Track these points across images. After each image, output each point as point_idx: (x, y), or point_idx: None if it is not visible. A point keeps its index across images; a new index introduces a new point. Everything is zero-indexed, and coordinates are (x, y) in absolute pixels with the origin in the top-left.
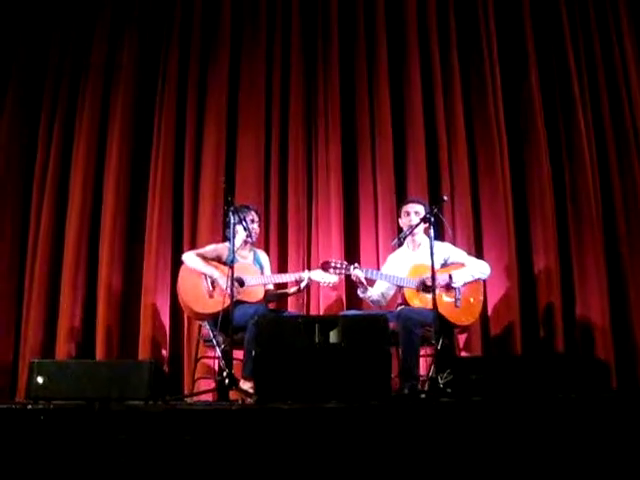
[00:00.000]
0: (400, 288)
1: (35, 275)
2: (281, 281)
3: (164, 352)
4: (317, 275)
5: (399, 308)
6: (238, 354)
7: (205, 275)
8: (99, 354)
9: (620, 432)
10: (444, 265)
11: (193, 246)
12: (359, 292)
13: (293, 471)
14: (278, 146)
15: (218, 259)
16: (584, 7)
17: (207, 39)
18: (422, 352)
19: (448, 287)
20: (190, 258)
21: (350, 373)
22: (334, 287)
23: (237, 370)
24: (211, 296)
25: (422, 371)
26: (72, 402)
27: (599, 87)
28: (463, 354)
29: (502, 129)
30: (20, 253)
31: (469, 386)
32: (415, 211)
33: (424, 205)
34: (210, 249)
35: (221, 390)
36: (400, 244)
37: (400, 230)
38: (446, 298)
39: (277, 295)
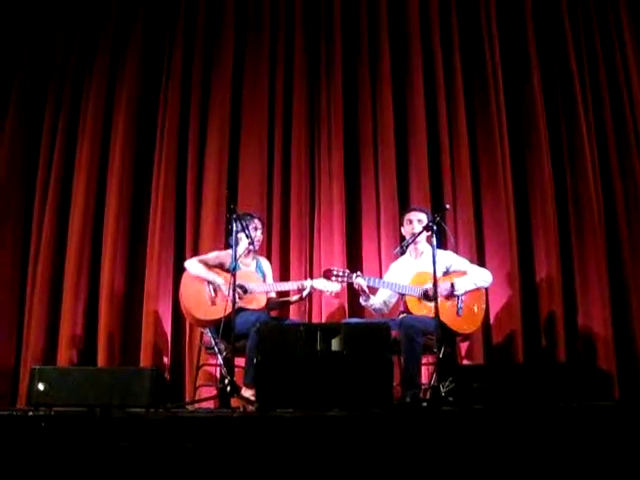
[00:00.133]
0: (402, 296)
1: (37, 281)
2: (283, 289)
3: (166, 359)
4: (319, 283)
5: (401, 316)
6: (240, 361)
7: (207, 282)
8: (101, 361)
9: (622, 442)
10: (446, 273)
11: (195, 253)
12: (361, 300)
13: (294, 479)
14: (281, 153)
15: (221, 266)
16: (586, 11)
17: (211, 41)
18: (424, 360)
19: (450, 295)
20: (192, 265)
21: (352, 381)
22: (336, 295)
23: (239, 378)
24: (213, 303)
25: (424, 379)
26: (73, 409)
27: (601, 91)
28: (465, 362)
29: (504, 135)
30: (22, 259)
31: (471, 394)
32: (418, 219)
33: (426, 213)
34: (213, 256)
35: (222, 397)
36: (402, 252)
37: (402, 238)
38: (448, 306)
39: (279, 303)
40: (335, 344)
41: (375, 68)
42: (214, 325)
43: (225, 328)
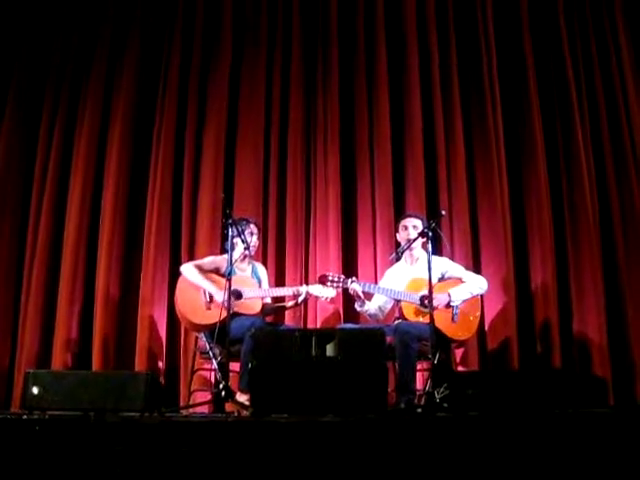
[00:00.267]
0: (397, 302)
1: (32, 285)
2: (279, 294)
3: (160, 364)
4: (315, 289)
5: (396, 322)
6: (234, 366)
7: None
8: (95, 365)
9: (617, 449)
10: (441, 279)
11: (191, 258)
12: (356, 306)
13: None
14: (277, 158)
15: (216, 271)
16: (582, 18)
17: (208, 47)
18: (419, 366)
19: (447, 306)
20: (188, 270)
21: (347, 387)
22: (332, 300)
23: (233, 382)
24: (208, 308)
25: (419, 385)
26: (68, 413)
27: (597, 98)
28: (460, 369)
29: (500, 142)
30: (17, 262)
31: (466, 401)
32: (413, 225)
33: (422, 219)
34: (208, 261)
35: (217, 402)
36: (398, 258)
37: (398, 244)
38: (443, 313)
39: (274, 308)
40: (330, 350)
41: (371, 74)
42: (209, 330)
43: (220, 333)
